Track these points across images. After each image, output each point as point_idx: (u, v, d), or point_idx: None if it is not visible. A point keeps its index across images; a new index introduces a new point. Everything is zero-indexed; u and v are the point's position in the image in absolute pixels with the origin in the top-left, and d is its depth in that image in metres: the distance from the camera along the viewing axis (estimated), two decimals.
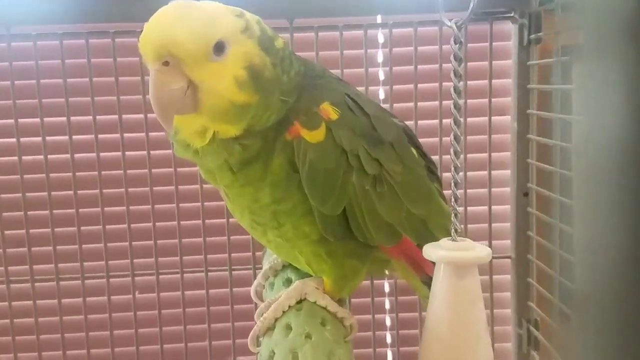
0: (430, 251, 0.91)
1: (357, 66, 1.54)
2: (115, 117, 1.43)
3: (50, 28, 1.39)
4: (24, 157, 1.43)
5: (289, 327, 0.94)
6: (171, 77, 0.82)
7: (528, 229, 1.47)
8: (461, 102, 0.90)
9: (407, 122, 1.43)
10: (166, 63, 0.81)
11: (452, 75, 0.90)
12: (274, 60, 0.89)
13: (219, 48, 0.83)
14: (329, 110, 0.92)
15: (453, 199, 0.92)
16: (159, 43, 0.81)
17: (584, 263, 0.38)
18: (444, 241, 0.91)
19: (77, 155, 1.45)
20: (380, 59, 1.60)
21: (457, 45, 0.89)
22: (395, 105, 1.47)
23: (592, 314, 0.37)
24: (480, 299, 0.91)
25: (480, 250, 0.90)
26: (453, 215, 0.91)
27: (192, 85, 0.83)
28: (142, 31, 0.84)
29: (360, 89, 1.43)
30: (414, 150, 1.03)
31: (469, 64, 1.48)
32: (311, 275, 1.03)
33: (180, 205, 1.47)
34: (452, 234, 0.91)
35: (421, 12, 1.40)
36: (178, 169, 1.45)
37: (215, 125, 0.87)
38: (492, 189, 1.49)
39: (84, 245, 1.46)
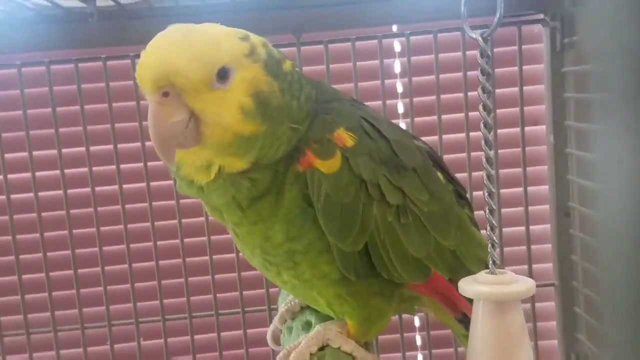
0: (467, 287, 0.90)
1: (372, 78, 1.55)
2: (110, 147, 1.45)
3: (35, 55, 1.42)
4: (12, 195, 1.45)
5: None
6: (172, 109, 0.82)
7: (572, 253, 1.46)
8: (491, 120, 0.91)
9: (430, 137, 1.45)
10: (166, 93, 0.82)
11: (479, 91, 0.90)
12: (282, 85, 0.89)
13: (223, 75, 0.84)
14: (344, 137, 0.92)
15: (489, 228, 0.91)
16: (158, 73, 0.81)
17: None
18: (482, 275, 0.90)
19: (70, 191, 1.46)
20: (397, 69, 1.61)
21: (484, 58, 0.89)
22: (416, 119, 1.47)
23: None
24: (525, 336, 0.90)
25: (523, 284, 0.89)
26: (490, 245, 0.91)
27: (194, 116, 0.84)
28: (135, 55, 0.85)
29: (377, 103, 1.45)
30: (440, 175, 1.03)
31: (496, 70, 1.49)
32: (333, 318, 1.03)
33: (185, 240, 1.48)
34: (490, 267, 0.91)
35: (441, 19, 1.40)
36: (181, 201, 1.46)
37: (220, 159, 0.87)
38: (529, 207, 1.48)
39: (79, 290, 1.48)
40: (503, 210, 1.50)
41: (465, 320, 1.07)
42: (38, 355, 1.51)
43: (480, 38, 0.90)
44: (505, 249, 1.51)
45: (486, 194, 0.91)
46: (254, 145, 0.87)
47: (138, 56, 0.85)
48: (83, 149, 1.44)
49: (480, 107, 0.91)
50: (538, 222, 1.60)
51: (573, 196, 1.45)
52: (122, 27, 1.31)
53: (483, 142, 0.91)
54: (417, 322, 1.68)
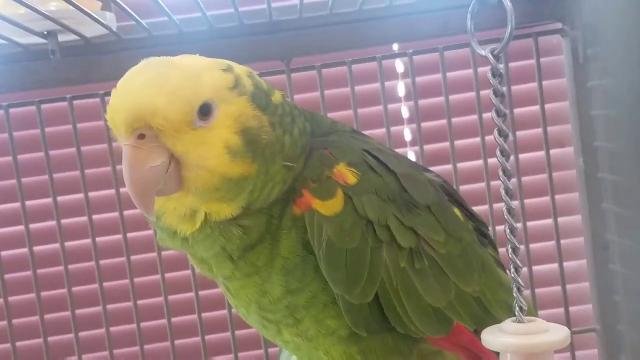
0: (491, 338, 0.90)
1: (373, 104, 1.57)
2: (80, 195, 1.45)
3: None
4: None
5: None
6: (149, 153, 0.83)
7: (614, 292, 1.46)
8: (509, 145, 0.92)
9: (442, 167, 1.46)
10: (141, 136, 0.83)
11: (493, 114, 0.91)
12: (273, 119, 0.90)
13: (205, 111, 0.85)
14: (346, 173, 0.93)
15: (513, 270, 0.91)
16: (132, 113, 0.82)
17: None
18: (508, 324, 0.90)
19: (37, 248, 1.46)
20: (401, 92, 1.64)
21: (497, 78, 0.91)
22: (426, 147, 1.48)
23: None
24: None
25: (555, 333, 0.89)
26: (515, 289, 0.91)
27: (175, 159, 0.85)
28: (105, 93, 0.86)
29: (381, 130, 1.46)
30: (457, 211, 1.04)
31: (514, 87, 1.50)
32: None
33: (169, 297, 1.48)
34: (516, 314, 0.91)
35: (447, 35, 1.42)
36: (163, 253, 1.47)
37: (206, 205, 0.88)
38: (562, 241, 1.49)
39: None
40: (532, 245, 1.49)
41: None
42: None
43: (490, 55, 0.91)
44: (537, 290, 1.51)
45: (507, 230, 0.91)
46: (244, 188, 0.88)
47: (108, 94, 0.87)
48: (49, 199, 1.44)
49: (496, 132, 0.92)
50: (573, 257, 1.60)
51: (610, 226, 1.46)
52: (88, 63, 1.33)
53: (500, 172, 0.92)
54: None
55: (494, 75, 0.91)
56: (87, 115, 1.47)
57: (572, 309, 1.50)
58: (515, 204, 0.93)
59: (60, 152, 1.53)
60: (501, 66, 0.91)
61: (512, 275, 0.92)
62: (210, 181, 0.86)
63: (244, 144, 0.87)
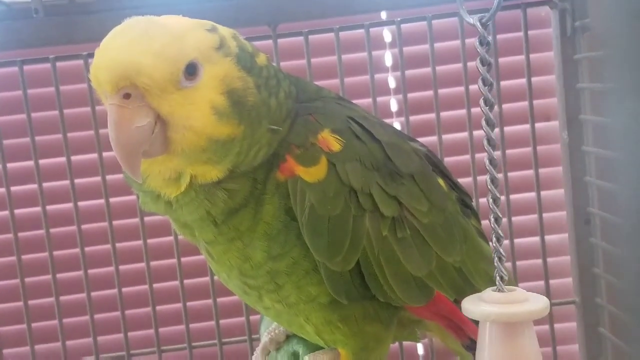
0: (471, 307, 0.90)
1: (360, 73, 1.56)
2: (62, 159, 1.44)
3: None
4: None
5: None
6: (135, 113, 0.82)
7: (594, 265, 1.47)
8: (495, 115, 0.91)
9: (428, 138, 1.46)
10: (127, 95, 0.82)
11: (480, 84, 0.91)
12: (258, 81, 0.89)
13: (191, 71, 0.84)
14: (330, 140, 0.92)
15: (495, 239, 0.92)
16: (117, 72, 0.81)
17: None
18: (488, 293, 0.91)
19: (18, 211, 1.46)
20: (388, 62, 1.63)
21: (484, 47, 0.90)
22: (411, 117, 1.48)
23: None
24: None
25: (535, 302, 0.90)
26: (496, 259, 0.91)
27: (161, 120, 0.84)
28: (88, 54, 0.85)
29: (367, 100, 1.45)
30: (441, 181, 1.04)
31: (501, 59, 1.50)
32: (323, 347, 1.03)
33: (151, 263, 1.47)
34: (497, 283, 0.91)
35: (435, 4, 1.41)
36: (145, 219, 1.46)
37: (192, 168, 0.87)
38: (544, 214, 1.49)
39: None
40: (514, 218, 1.50)
41: (473, 347, 1.06)
42: None
43: (478, 23, 0.90)
44: (518, 263, 1.52)
45: (490, 200, 0.91)
46: (230, 149, 0.87)
47: (91, 56, 0.85)
48: (31, 162, 1.43)
49: (481, 102, 0.92)
50: (554, 231, 1.61)
51: (593, 200, 1.47)
52: (72, 23, 1.31)
53: (485, 141, 0.92)
54: (420, 349, 1.68)
55: (481, 44, 0.90)
56: (69, 78, 1.45)
57: (552, 281, 1.51)
58: (499, 176, 0.93)
59: (42, 114, 1.51)
60: (489, 37, 0.90)
61: (494, 244, 0.92)
62: (197, 142, 0.85)
63: (230, 105, 0.86)
